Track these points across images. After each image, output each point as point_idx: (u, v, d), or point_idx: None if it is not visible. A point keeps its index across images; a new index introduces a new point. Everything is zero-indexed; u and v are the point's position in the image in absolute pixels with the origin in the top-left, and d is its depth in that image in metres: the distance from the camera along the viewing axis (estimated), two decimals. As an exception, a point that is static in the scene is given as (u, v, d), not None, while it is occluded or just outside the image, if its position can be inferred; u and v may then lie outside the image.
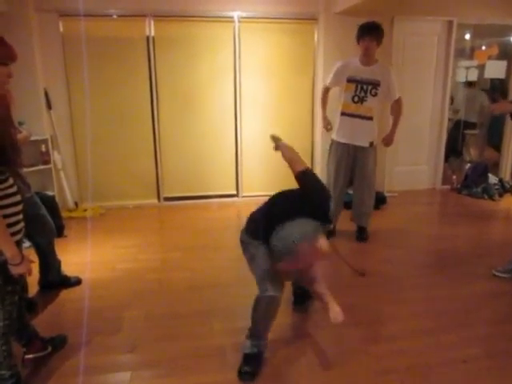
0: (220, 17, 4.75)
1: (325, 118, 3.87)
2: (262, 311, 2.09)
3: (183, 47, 4.78)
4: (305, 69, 4.34)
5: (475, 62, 6.83)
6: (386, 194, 5.18)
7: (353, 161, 3.73)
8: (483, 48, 7.97)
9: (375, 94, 3.56)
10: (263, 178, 5.28)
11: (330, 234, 3.95)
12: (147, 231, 4.27)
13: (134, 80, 4.76)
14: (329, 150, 3.89)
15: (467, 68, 6.77)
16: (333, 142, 3.81)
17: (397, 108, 3.77)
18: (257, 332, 2.18)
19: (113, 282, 3.16)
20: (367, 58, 3.56)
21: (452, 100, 7.13)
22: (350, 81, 3.58)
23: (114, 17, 4.59)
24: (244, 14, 4.76)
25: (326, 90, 3.85)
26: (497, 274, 3.19)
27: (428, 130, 5.60)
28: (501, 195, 5.40)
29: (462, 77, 7.22)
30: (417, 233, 4.10)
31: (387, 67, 3.69)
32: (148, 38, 4.68)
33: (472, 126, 6.45)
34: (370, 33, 3.47)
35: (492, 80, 7.21)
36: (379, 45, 3.54)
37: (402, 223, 4.37)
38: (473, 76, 6.75)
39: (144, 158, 4.97)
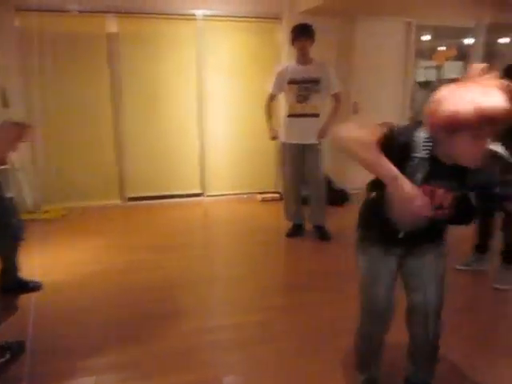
0: (183, 14, 4.72)
1: (272, 130, 3.89)
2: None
3: (146, 45, 4.71)
4: (269, 68, 4.34)
5: (434, 63, 7.06)
6: (350, 191, 5.28)
7: (303, 160, 3.79)
8: (442, 49, 8.25)
9: (317, 91, 3.65)
10: (229, 177, 5.28)
11: (299, 233, 4.00)
12: (111, 232, 4.19)
13: (95, 77, 4.66)
14: (281, 153, 3.95)
15: (426, 68, 7.00)
16: (283, 145, 3.86)
17: (335, 102, 3.80)
18: None
19: (75, 284, 3.07)
20: (304, 58, 3.66)
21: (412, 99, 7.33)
22: (291, 83, 3.66)
23: (75, 13, 4.47)
24: (207, 12, 4.75)
25: (271, 98, 3.87)
26: (458, 267, 3.32)
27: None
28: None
29: (421, 77, 7.45)
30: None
31: (324, 63, 3.76)
32: (109, 34, 4.58)
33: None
34: (304, 33, 3.58)
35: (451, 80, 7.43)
36: (312, 44, 3.65)
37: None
38: (431, 76, 6.98)
39: (106, 157, 4.87)
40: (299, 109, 3.70)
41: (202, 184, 5.22)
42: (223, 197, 5.26)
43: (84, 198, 4.85)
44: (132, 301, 2.86)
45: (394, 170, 1.35)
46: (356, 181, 5.58)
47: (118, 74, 4.68)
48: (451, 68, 6.80)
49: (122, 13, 4.54)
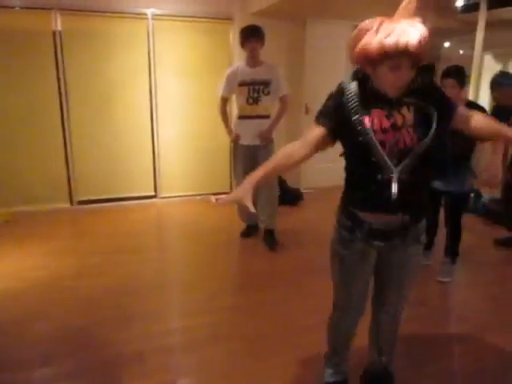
0: (133, 13, 4.63)
1: (232, 132, 3.86)
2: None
3: (94, 44, 4.59)
4: (221, 69, 4.35)
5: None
6: (303, 191, 5.38)
7: (256, 161, 3.71)
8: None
9: (268, 93, 3.66)
10: (182, 178, 5.24)
11: (253, 233, 4.01)
12: (60, 237, 4.05)
13: (40, 77, 4.48)
14: (233, 153, 3.95)
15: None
16: (235, 146, 3.87)
17: (281, 105, 3.79)
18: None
19: (23, 292, 2.96)
20: (254, 60, 3.65)
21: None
22: (241, 85, 3.66)
23: (17, 9, 4.28)
24: (158, 12, 4.68)
25: (224, 101, 3.84)
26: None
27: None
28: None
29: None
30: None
31: (274, 66, 3.76)
32: (55, 32, 4.42)
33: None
34: (254, 35, 3.57)
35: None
36: (262, 46, 3.65)
37: (316, 219, 4.57)
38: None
39: (54, 159, 4.70)
40: (250, 110, 3.70)
41: (155, 186, 5.15)
42: (177, 198, 5.20)
43: (31, 202, 4.65)
44: (82, 307, 2.79)
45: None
46: (309, 180, 5.70)
47: (65, 73, 4.53)
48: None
49: (67, 10, 4.39)
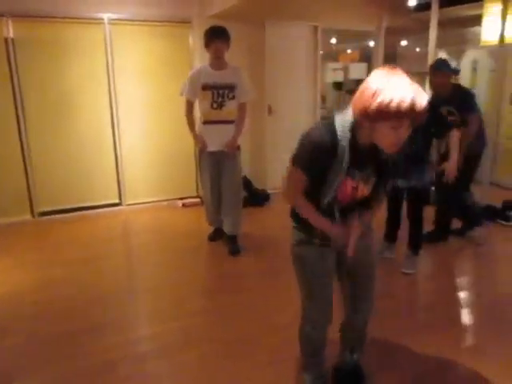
0: (89, 18, 4.53)
1: (197, 137, 3.69)
2: None
3: (49, 50, 4.46)
4: (181, 73, 4.32)
5: (341, 65, 7.46)
6: (270, 191, 5.40)
7: (221, 166, 3.68)
8: (348, 51, 8.74)
9: (233, 97, 3.55)
10: (148, 184, 5.16)
11: (221, 237, 4.00)
12: (21, 250, 3.91)
13: (-7, 86, 4.33)
14: (199, 161, 3.85)
15: (334, 70, 7.37)
16: (201, 153, 3.75)
17: (240, 112, 3.66)
18: None
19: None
20: (219, 62, 3.52)
21: (324, 99, 7.68)
22: (204, 88, 3.51)
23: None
24: (114, 16, 4.60)
25: (190, 105, 3.67)
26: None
27: (303, 128, 5.94)
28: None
29: (330, 78, 7.81)
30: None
31: (239, 69, 3.65)
32: (7, 39, 4.28)
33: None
34: (220, 36, 3.44)
35: (358, 81, 7.92)
36: (228, 48, 3.53)
37: (281, 220, 4.59)
38: (339, 77, 7.37)
39: (12, 170, 4.54)
40: (214, 115, 3.57)
41: (120, 193, 5.06)
42: (143, 205, 5.13)
43: (-12, 215, 4.49)
44: (47, 320, 2.71)
45: (326, 223, 1.63)
46: (276, 181, 5.73)
47: (19, 81, 4.38)
48: (356, 69, 7.21)
49: (19, 16, 4.26)
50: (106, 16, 4.58)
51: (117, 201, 5.06)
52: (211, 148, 3.63)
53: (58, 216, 4.74)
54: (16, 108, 4.44)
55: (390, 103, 1.31)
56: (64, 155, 4.73)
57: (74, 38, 4.54)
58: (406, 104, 1.30)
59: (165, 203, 5.18)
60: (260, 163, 5.57)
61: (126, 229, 4.72)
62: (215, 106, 3.55)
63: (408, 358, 2.30)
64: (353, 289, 1.86)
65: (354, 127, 1.48)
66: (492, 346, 2.41)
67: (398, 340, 2.44)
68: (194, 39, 4.98)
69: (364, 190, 1.63)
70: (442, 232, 3.93)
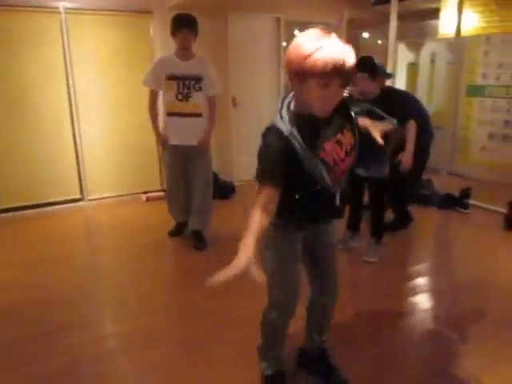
0: (43, 7, 4.34)
1: (159, 134, 3.56)
2: None
3: (1, 40, 4.26)
4: (142, 64, 4.21)
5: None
6: (236, 184, 5.39)
7: (187, 161, 3.57)
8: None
9: (199, 89, 3.41)
10: (110, 178, 5.03)
11: (183, 231, 3.95)
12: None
13: None
14: (163, 153, 3.71)
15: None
16: (164, 148, 3.63)
17: (211, 107, 3.55)
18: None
19: None
20: (186, 52, 3.39)
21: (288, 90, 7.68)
22: (169, 78, 3.35)
23: None
24: (70, 5, 4.43)
25: (154, 95, 3.51)
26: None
27: (268, 119, 5.94)
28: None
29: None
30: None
31: (206, 61, 3.55)
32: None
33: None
34: (189, 25, 3.30)
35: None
36: (196, 37, 3.41)
37: (247, 213, 4.58)
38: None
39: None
40: (179, 107, 3.42)
41: (81, 188, 4.91)
42: (105, 200, 5.00)
43: None
44: (7, 323, 2.61)
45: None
46: (242, 173, 5.72)
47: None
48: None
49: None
50: (60, 5, 4.40)
51: (78, 196, 4.91)
52: (175, 141, 3.50)
53: (14, 213, 4.54)
54: (-34, 101, 4.23)
55: (318, 59, 1.34)
56: (21, 150, 4.53)
57: (29, 27, 4.34)
58: (333, 60, 1.33)
59: (128, 197, 5.08)
60: (226, 155, 5.54)
61: (87, 225, 4.61)
62: (180, 97, 3.40)
63: (370, 339, 2.36)
64: (316, 271, 1.90)
65: (292, 106, 1.51)
66: (448, 330, 2.50)
67: (361, 326, 2.50)
68: (155, 30, 4.87)
69: (347, 137, 1.60)
70: (401, 220, 4.02)
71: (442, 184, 4.85)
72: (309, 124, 1.49)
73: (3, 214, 4.51)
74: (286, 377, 2.01)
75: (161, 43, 4.79)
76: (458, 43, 4.94)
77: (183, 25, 3.30)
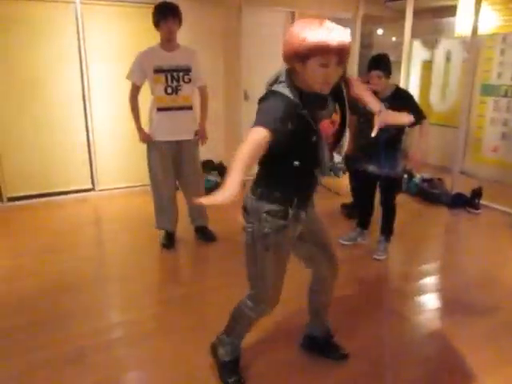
0: (58, -3, 4.37)
1: (141, 129, 3.38)
2: None
3: (15, 31, 4.27)
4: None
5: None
6: (245, 178, 5.39)
7: (178, 157, 3.42)
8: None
9: (189, 81, 3.27)
10: (121, 169, 5.07)
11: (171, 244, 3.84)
12: (-12, 237, 3.81)
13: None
14: (148, 150, 3.44)
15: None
16: (150, 144, 3.40)
17: (202, 98, 3.46)
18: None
19: None
20: (171, 43, 3.23)
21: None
22: (157, 71, 3.20)
23: None
24: (85, -4, 4.46)
25: (136, 90, 3.32)
26: (342, 242, 3.58)
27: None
28: (345, 172, 5.99)
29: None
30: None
31: (193, 50, 3.38)
32: (-28, 18, 4.10)
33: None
34: (172, 13, 3.13)
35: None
36: (180, 27, 3.25)
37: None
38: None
39: (-21, 154, 4.39)
40: (170, 101, 3.26)
41: (92, 178, 4.95)
42: (116, 191, 5.04)
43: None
44: (17, 309, 2.66)
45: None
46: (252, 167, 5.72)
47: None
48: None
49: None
50: (75, -5, 4.42)
51: (89, 186, 4.96)
52: (167, 137, 3.32)
53: (27, 201, 4.61)
54: (-19, 89, 4.27)
55: (315, 39, 1.42)
56: (34, 139, 4.59)
57: (42, 18, 4.37)
58: (329, 38, 1.42)
59: (138, 189, 5.10)
60: (236, 149, 5.53)
61: (97, 215, 4.64)
62: (170, 90, 3.25)
63: (375, 336, 2.36)
64: (324, 253, 1.96)
65: (291, 83, 1.55)
66: (457, 329, 2.49)
67: (367, 325, 2.50)
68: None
69: (338, 118, 1.70)
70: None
71: (454, 183, 4.81)
72: (312, 101, 1.56)
73: (16, 202, 4.58)
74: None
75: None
76: (474, 42, 4.87)
77: (168, 14, 3.13)
